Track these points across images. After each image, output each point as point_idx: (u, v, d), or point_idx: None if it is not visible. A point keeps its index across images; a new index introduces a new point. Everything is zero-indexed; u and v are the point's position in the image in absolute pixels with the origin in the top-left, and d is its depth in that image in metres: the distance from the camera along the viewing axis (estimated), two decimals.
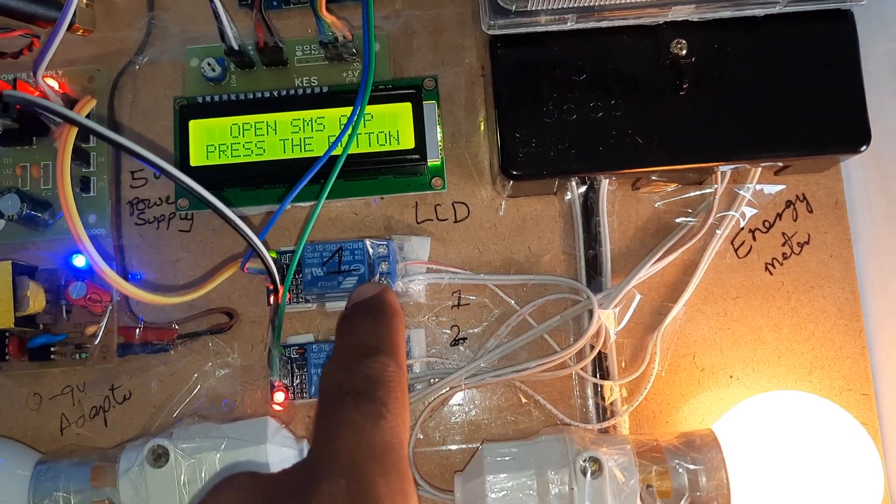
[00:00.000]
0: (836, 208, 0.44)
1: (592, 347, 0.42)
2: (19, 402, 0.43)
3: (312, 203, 0.39)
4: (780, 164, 0.42)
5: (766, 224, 0.44)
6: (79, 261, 0.42)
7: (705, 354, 0.43)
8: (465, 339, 0.43)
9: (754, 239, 0.44)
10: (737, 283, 0.44)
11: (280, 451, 0.38)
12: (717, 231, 0.43)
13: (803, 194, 0.45)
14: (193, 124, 0.41)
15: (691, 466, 0.37)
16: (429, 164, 0.42)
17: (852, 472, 0.37)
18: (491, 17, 0.39)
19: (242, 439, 0.37)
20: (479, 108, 0.45)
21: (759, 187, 0.44)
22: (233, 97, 0.42)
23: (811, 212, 0.44)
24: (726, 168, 0.41)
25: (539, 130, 0.40)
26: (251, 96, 0.42)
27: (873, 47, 0.46)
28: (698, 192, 0.44)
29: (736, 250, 0.44)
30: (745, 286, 0.44)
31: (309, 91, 0.42)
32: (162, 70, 0.45)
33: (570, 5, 0.38)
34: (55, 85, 0.43)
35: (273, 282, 0.37)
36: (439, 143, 0.43)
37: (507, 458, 0.38)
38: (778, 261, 0.44)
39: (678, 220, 0.44)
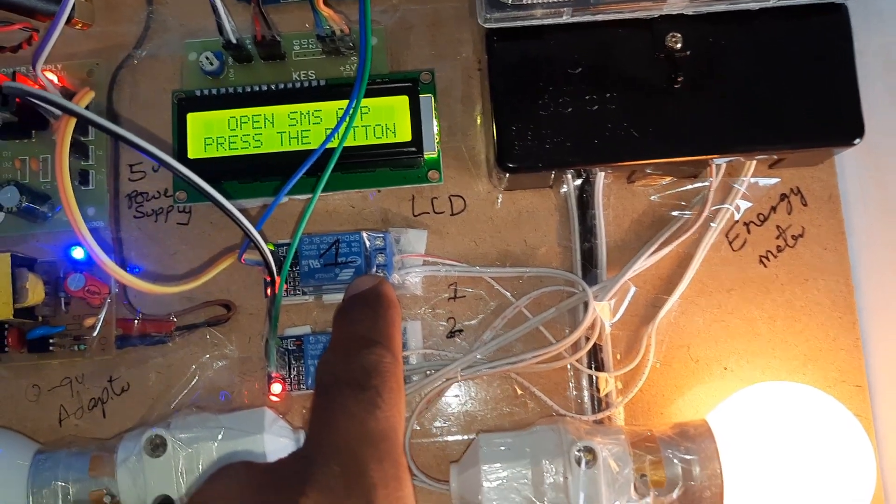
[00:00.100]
0: (830, 201, 0.45)
1: (588, 339, 0.42)
2: (18, 393, 0.43)
3: (310, 196, 0.39)
4: (775, 157, 0.42)
5: (761, 217, 0.45)
6: (77, 253, 0.42)
7: (700, 346, 0.44)
8: (462, 331, 0.44)
9: (749, 232, 0.44)
10: (731, 275, 0.44)
11: (277, 441, 0.38)
12: (712, 224, 0.43)
13: (798, 187, 0.45)
14: (191, 117, 0.41)
15: (685, 456, 0.38)
16: (425, 156, 0.42)
17: (845, 463, 0.37)
18: (487, 10, 0.39)
19: (239, 429, 0.38)
20: (475, 102, 0.45)
21: (753, 180, 0.44)
22: (230, 90, 0.42)
23: (805, 205, 0.45)
24: (721, 161, 0.41)
25: (535, 123, 0.40)
26: (249, 90, 0.42)
27: (867, 41, 0.46)
28: (693, 186, 0.44)
29: (731, 243, 0.44)
30: (739, 279, 0.44)
31: (306, 84, 0.42)
32: (160, 64, 0.46)
33: None
34: (54, 79, 0.43)
35: (270, 272, 0.37)
36: (436, 136, 0.43)
37: (502, 448, 0.38)
38: (772, 253, 0.44)
39: (673, 213, 0.44)
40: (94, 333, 0.42)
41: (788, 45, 0.40)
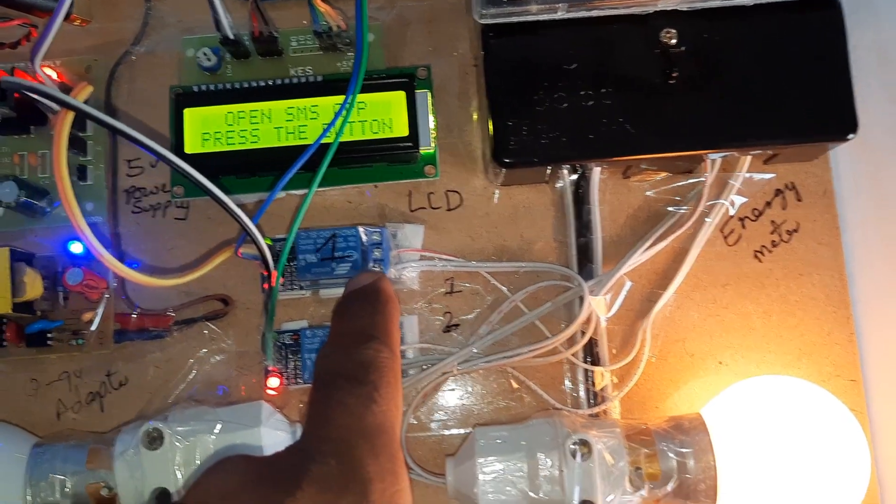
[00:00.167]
0: (824, 197, 0.45)
1: (583, 334, 0.42)
2: (16, 387, 0.43)
3: (307, 191, 0.40)
4: (769, 152, 0.42)
5: (756, 212, 0.45)
6: (76, 247, 0.42)
7: (695, 341, 0.44)
8: (458, 325, 0.44)
9: (744, 227, 0.45)
10: (726, 270, 0.44)
11: (274, 435, 0.38)
12: (707, 219, 0.44)
13: (792, 183, 0.45)
14: (189, 112, 0.41)
15: (680, 449, 0.38)
16: (422, 152, 0.43)
17: (839, 456, 0.37)
18: (483, 6, 0.39)
19: (237, 422, 0.38)
20: (471, 98, 0.46)
21: (748, 175, 0.44)
22: (228, 86, 0.42)
23: (800, 200, 0.45)
24: (716, 156, 0.42)
25: (531, 119, 0.40)
26: (246, 85, 0.42)
27: (861, 37, 0.46)
28: (688, 181, 0.45)
29: (725, 238, 0.45)
30: (734, 273, 0.44)
31: (304, 80, 0.42)
32: (158, 60, 0.46)
33: None
34: (53, 74, 0.44)
35: (266, 265, 0.37)
36: (432, 132, 0.43)
37: (497, 442, 0.38)
38: (767, 248, 0.45)
39: (669, 209, 0.44)
40: (93, 328, 0.42)
41: (783, 40, 0.41)
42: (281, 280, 0.40)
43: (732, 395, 0.40)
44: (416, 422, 0.43)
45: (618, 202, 0.45)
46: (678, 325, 0.44)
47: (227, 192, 0.34)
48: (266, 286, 0.40)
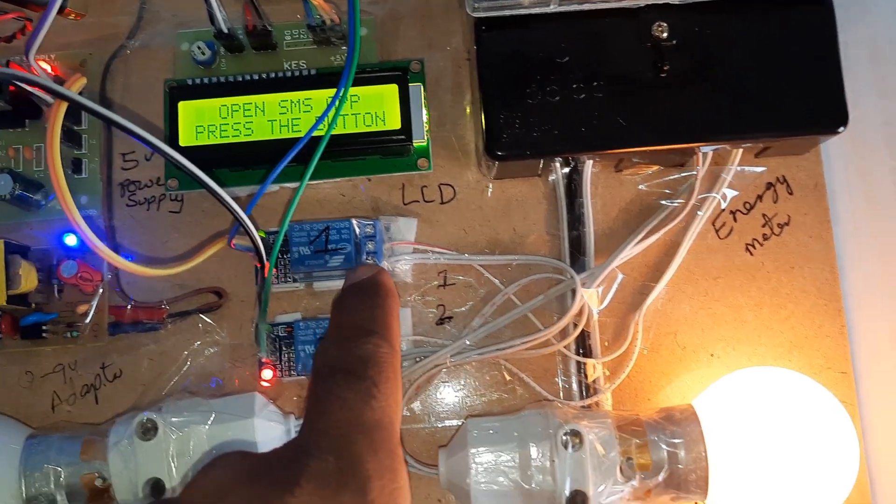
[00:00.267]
0: (815, 190, 0.45)
1: (576, 326, 0.42)
2: (11, 379, 0.43)
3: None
4: (761, 145, 0.43)
5: (747, 205, 0.45)
6: (70, 240, 0.42)
7: (687, 333, 0.44)
8: (451, 318, 0.44)
9: (735, 220, 0.45)
10: (718, 263, 0.45)
11: (267, 426, 0.39)
12: (699, 212, 0.44)
13: (784, 176, 0.45)
14: (183, 105, 0.42)
15: (671, 440, 0.38)
16: (415, 145, 0.43)
17: (829, 447, 0.38)
18: None
19: (230, 413, 0.38)
20: (465, 92, 0.46)
21: (739, 169, 0.44)
22: (222, 79, 0.42)
23: (791, 194, 0.45)
24: (707, 149, 0.42)
25: (523, 112, 0.40)
26: (240, 78, 0.42)
27: (852, 33, 0.46)
28: (680, 175, 0.45)
29: (717, 231, 0.45)
30: (726, 266, 0.45)
31: (297, 73, 0.42)
32: (153, 54, 0.46)
33: None
34: (48, 68, 0.44)
35: (259, 255, 0.37)
36: (425, 125, 0.43)
37: (490, 432, 0.39)
38: (758, 241, 0.45)
39: (661, 202, 0.45)
40: (87, 320, 0.42)
41: (773, 33, 0.41)
42: (274, 271, 0.40)
43: (724, 386, 0.40)
44: (409, 413, 0.43)
45: (610, 195, 0.45)
46: (670, 318, 0.44)
47: (221, 184, 0.34)
48: (259, 279, 0.40)
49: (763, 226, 0.45)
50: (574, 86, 0.41)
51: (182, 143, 0.41)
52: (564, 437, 0.37)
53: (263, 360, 0.41)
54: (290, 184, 0.43)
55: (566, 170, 0.43)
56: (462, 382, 0.44)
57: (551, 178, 0.44)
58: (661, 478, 0.38)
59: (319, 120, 0.40)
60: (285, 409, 0.42)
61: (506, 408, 0.43)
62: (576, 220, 0.44)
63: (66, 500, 0.38)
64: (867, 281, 0.45)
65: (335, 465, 0.28)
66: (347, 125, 0.42)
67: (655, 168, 0.45)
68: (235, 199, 0.35)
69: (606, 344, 0.44)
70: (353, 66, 0.39)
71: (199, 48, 0.44)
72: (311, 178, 0.42)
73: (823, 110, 0.41)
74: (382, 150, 0.43)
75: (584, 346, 0.43)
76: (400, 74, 0.42)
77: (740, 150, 0.43)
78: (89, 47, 0.46)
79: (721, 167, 0.44)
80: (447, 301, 0.44)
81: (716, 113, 0.41)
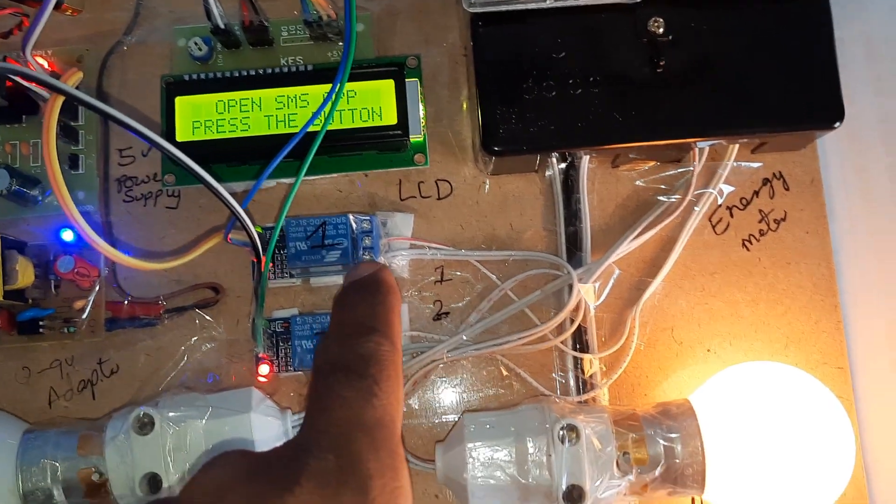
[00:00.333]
0: (812, 186, 0.45)
1: (572, 321, 0.43)
2: (8, 375, 0.43)
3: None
4: (757, 140, 0.43)
5: (744, 201, 0.45)
6: (67, 235, 0.42)
7: (683, 329, 0.44)
8: (448, 313, 0.44)
9: (732, 216, 0.45)
10: (714, 259, 0.45)
11: (264, 421, 0.39)
12: (696, 208, 0.44)
13: (780, 172, 0.45)
14: (179, 101, 0.42)
15: (667, 434, 0.38)
16: (411, 140, 0.43)
17: (825, 441, 0.38)
18: None
19: (227, 408, 0.38)
20: (461, 88, 0.46)
21: (736, 164, 0.44)
22: (218, 75, 0.42)
23: (788, 189, 0.45)
24: (704, 144, 0.42)
25: (520, 107, 0.41)
26: (237, 74, 0.42)
27: (848, 29, 0.47)
28: (677, 170, 0.45)
29: (714, 227, 0.45)
30: (722, 262, 0.45)
31: (294, 69, 0.42)
32: (150, 50, 0.46)
33: None
34: (45, 64, 0.44)
35: (255, 249, 0.37)
36: (422, 120, 0.43)
37: (486, 427, 0.39)
38: (755, 237, 0.45)
39: (657, 198, 0.45)
40: (84, 316, 0.42)
41: (770, 29, 0.41)
42: (271, 266, 0.40)
43: (720, 381, 0.40)
44: (405, 409, 0.43)
45: (606, 191, 0.45)
46: (666, 313, 0.44)
47: (217, 179, 0.34)
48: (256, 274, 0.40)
49: (759, 221, 0.45)
50: (570, 81, 0.41)
51: (179, 138, 0.41)
52: (561, 432, 0.37)
53: (260, 355, 0.41)
54: (286, 179, 0.43)
55: (563, 165, 0.43)
56: (459, 378, 0.44)
57: (548, 173, 0.44)
58: (657, 472, 0.38)
59: (315, 115, 0.40)
60: (282, 405, 0.42)
61: (503, 403, 0.43)
62: (572, 215, 0.44)
63: (63, 495, 0.38)
64: (863, 276, 0.45)
65: (335, 464, 0.28)
66: (344, 120, 0.42)
67: (652, 164, 0.45)
68: (232, 194, 0.35)
69: (603, 339, 0.44)
70: (350, 62, 0.39)
71: (195, 44, 0.44)
72: (308, 174, 0.42)
73: (820, 106, 0.41)
74: (379, 146, 0.43)
75: (580, 341, 0.43)
76: (396, 70, 0.42)
77: (737, 146, 0.43)
78: (86, 43, 0.46)
79: (717, 163, 0.44)
80: (444, 297, 0.44)
81: (712, 108, 0.41)
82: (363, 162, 0.44)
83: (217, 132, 0.41)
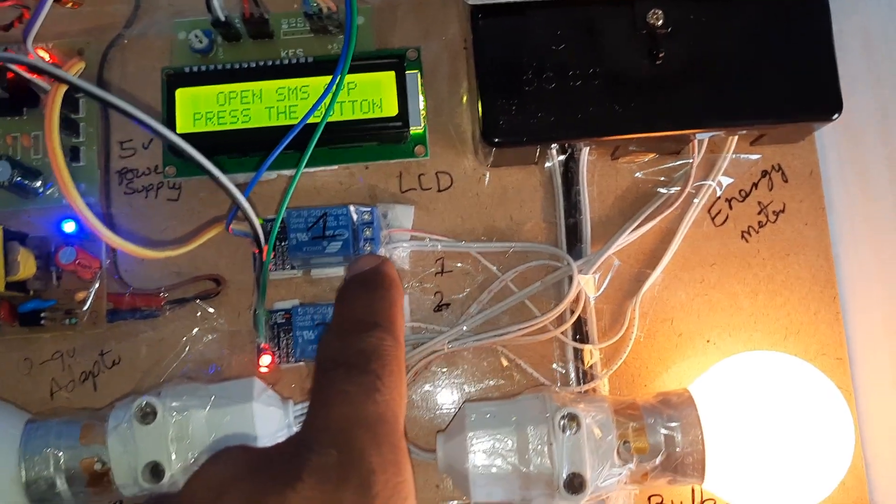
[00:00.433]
0: (810, 178, 0.45)
1: (572, 312, 0.43)
2: (10, 366, 0.43)
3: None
4: (756, 133, 0.43)
5: (743, 193, 0.45)
6: (69, 227, 0.42)
7: (683, 320, 0.44)
8: (448, 305, 0.44)
9: (731, 208, 0.45)
10: (714, 250, 0.45)
11: (266, 410, 0.39)
12: (695, 200, 0.44)
13: (779, 164, 0.45)
14: (180, 92, 0.42)
15: (667, 423, 0.38)
16: (411, 131, 0.43)
17: (824, 430, 0.38)
18: None
19: (229, 398, 0.38)
20: (461, 81, 0.46)
21: (735, 156, 0.45)
22: (219, 67, 0.42)
23: (786, 181, 0.45)
24: (703, 136, 0.42)
25: (520, 99, 0.41)
26: (237, 66, 0.42)
27: (846, 22, 0.47)
28: (676, 163, 0.45)
29: (713, 219, 0.45)
30: (721, 253, 0.45)
31: (294, 61, 0.43)
32: (150, 43, 0.46)
33: None
34: (45, 56, 0.44)
35: (256, 239, 0.38)
36: (422, 112, 0.44)
37: (487, 416, 0.39)
38: (754, 229, 0.45)
39: (657, 190, 0.45)
40: (85, 307, 0.42)
41: (768, 21, 0.41)
42: (273, 255, 0.41)
43: (720, 370, 0.41)
44: (406, 400, 0.43)
45: (606, 183, 0.45)
46: (666, 305, 0.44)
47: (220, 169, 0.34)
48: (258, 265, 0.40)
49: (758, 213, 0.45)
50: (570, 73, 0.41)
51: (179, 130, 0.41)
52: (562, 421, 0.37)
53: (262, 345, 0.42)
54: (287, 171, 0.44)
55: (562, 157, 0.43)
56: (460, 369, 0.44)
57: (547, 165, 0.44)
58: (658, 461, 0.38)
59: (315, 106, 0.40)
60: (283, 395, 0.42)
61: (503, 394, 0.44)
62: (572, 207, 0.44)
63: (66, 484, 0.38)
64: (862, 267, 0.45)
65: (337, 460, 0.28)
66: (345, 112, 0.42)
67: (651, 156, 0.45)
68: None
69: (603, 330, 0.44)
70: (350, 53, 0.39)
71: (196, 37, 0.44)
72: (309, 166, 0.42)
73: (818, 98, 0.41)
74: (380, 137, 0.43)
75: (580, 332, 0.43)
76: (397, 62, 0.42)
77: (735, 138, 0.43)
78: (86, 36, 0.46)
79: (716, 155, 0.44)
80: (444, 288, 0.44)
81: (711, 100, 0.41)
82: (364, 154, 0.44)
83: (218, 124, 0.42)
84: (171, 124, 0.41)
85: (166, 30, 0.46)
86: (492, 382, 0.44)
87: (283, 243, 0.41)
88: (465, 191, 0.45)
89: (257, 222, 0.37)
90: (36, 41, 0.39)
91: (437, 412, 0.43)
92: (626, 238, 0.43)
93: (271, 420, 0.39)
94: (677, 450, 0.38)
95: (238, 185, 0.41)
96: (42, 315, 0.42)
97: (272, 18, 0.44)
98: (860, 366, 0.44)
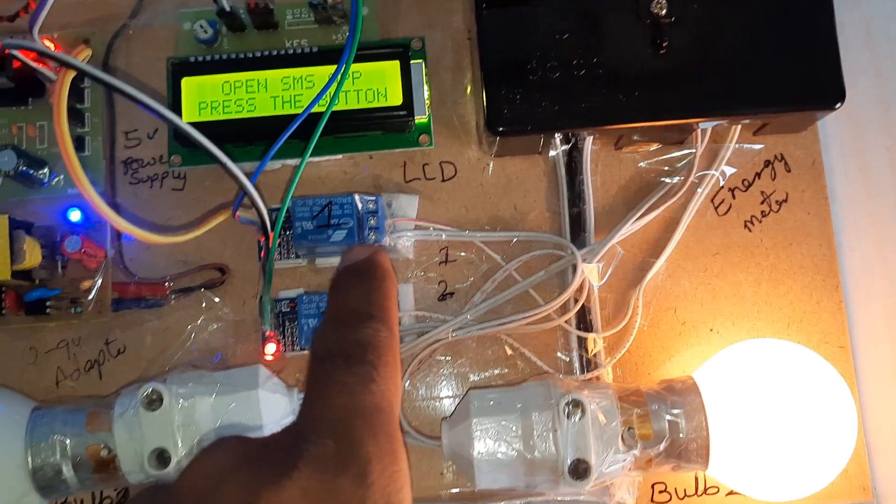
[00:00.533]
0: (813, 168, 0.46)
1: (576, 301, 0.43)
2: (15, 355, 0.44)
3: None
4: (759, 122, 0.43)
5: (746, 183, 0.45)
6: (74, 215, 0.42)
7: (686, 309, 0.44)
8: (453, 294, 0.44)
9: (734, 197, 0.45)
10: (717, 239, 0.45)
11: (271, 398, 0.39)
12: (698, 189, 0.44)
13: (781, 154, 0.46)
14: (186, 81, 0.42)
15: (671, 410, 0.38)
16: (416, 120, 0.43)
17: (827, 416, 0.38)
18: None
19: (234, 385, 0.38)
20: (465, 71, 0.46)
21: (738, 146, 0.45)
22: (225, 56, 0.42)
23: (789, 171, 0.46)
24: (706, 125, 0.42)
25: (524, 88, 0.41)
26: (243, 55, 0.42)
27: (848, 14, 0.47)
28: (680, 153, 0.45)
29: (716, 208, 0.45)
30: (724, 243, 0.45)
31: (300, 51, 0.43)
32: (155, 34, 0.46)
33: None
34: (51, 46, 0.44)
35: (263, 225, 0.38)
36: (426, 101, 0.44)
37: (492, 403, 0.39)
38: (757, 218, 0.45)
39: (660, 179, 0.45)
40: (91, 296, 0.42)
41: (771, 10, 0.41)
42: (279, 240, 0.41)
43: (724, 357, 0.41)
44: (411, 388, 0.44)
45: (610, 173, 0.45)
46: (670, 294, 0.44)
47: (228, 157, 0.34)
48: (263, 254, 0.41)
49: (761, 203, 0.45)
50: (574, 62, 0.41)
51: (185, 119, 0.42)
52: (566, 407, 0.37)
53: (267, 333, 0.42)
54: (292, 160, 0.44)
55: (566, 147, 0.44)
56: (464, 358, 0.44)
57: (551, 154, 0.44)
58: (662, 447, 0.38)
59: (320, 94, 0.40)
60: (288, 383, 0.42)
61: (507, 382, 0.44)
62: (576, 197, 0.44)
63: (73, 471, 0.38)
64: (864, 257, 0.46)
65: (334, 449, 0.28)
66: (350, 101, 0.42)
67: (655, 146, 0.45)
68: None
69: (607, 319, 0.44)
70: (356, 41, 0.40)
71: (201, 27, 0.44)
72: (314, 155, 0.42)
73: (821, 86, 0.41)
74: (384, 126, 0.43)
75: (584, 321, 0.43)
76: (402, 51, 0.43)
77: (738, 128, 0.44)
78: (91, 27, 0.46)
79: (720, 145, 0.44)
80: (449, 277, 0.44)
81: (714, 89, 0.41)
82: (368, 143, 0.44)
83: (223, 113, 0.42)
84: (176, 113, 0.41)
85: (171, 20, 0.46)
86: (496, 371, 0.44)
87: (287, 232, 0.42)
88: (468, 180, 0.45)
89: (263, 207, 0.37)
90: (41, 32, 0.39)
91: (442, 400, 0.44)
92: (630, 227, 0.44)
93: (276, 407, 0.39)
94: (681, 436, 0.38)
95: (244, 174, 0.41)
96: (47, 304, 0.42)
97: (277, 9, 0.44)
98: (862, 354, 0.45)
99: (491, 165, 0.45)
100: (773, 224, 0.45)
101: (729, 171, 0.45)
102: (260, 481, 0.28)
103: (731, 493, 0.42)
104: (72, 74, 0.32)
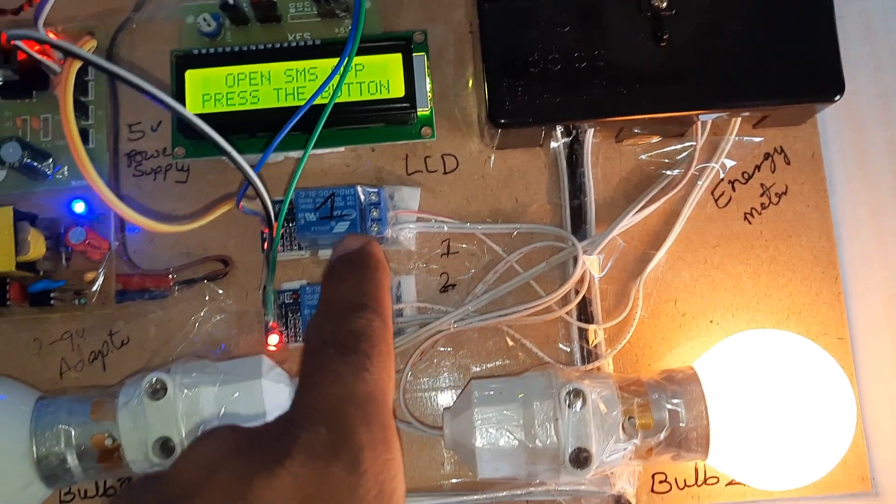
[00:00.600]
0: (812, 160, 0.46)
1: (577, 293, 0.43)
2: (20, 346, 0.44)
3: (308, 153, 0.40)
4: (759, 114, 0.43)
5: (745, 175, 0.46)
6: (78, 207, 0.43)
7: (686, 300, 0.45)
8: (454, 285, 0.45)
9: (734, 189, 0.46)
10: (717, 231, 0.45)
11: (274, 387, 0.39)
12: (698, 182, 0.45)
13: (781, 147, 0.46)
14: (189, 74, 0.42)
15: (672, 399, 0.39)
16: (418, 113, 0.43)
17: (827, 406, 0.38)
18: None
19: (238, 374, 0.38)
20: (467, 65, 0.46)
21: (738, 139, 0.45)
22: (228, 49, 0.43)
23: (788, 164, 0.46)
24: (706, 118, 0.43)
25: (525, 80, 0.41)
26: (246, 48, 0.43)
27: (848, 7, 0.47)
28: (680, 145, 0.45)
29: (716, 200, 0.46)
30: (724, 235, 0.45)
31: (303, 43, 0.43)
32: (159, 27, 0.46)
33: None
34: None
35: (266, 214, 0.38)
36: (428, 93, 0.44)
37: (493, 392, 0.39)
38: (756, 210, 0.45)
39: (661, 172, 0.45)
40: (95, 288, 0.43)
41: (771, 4, 0.42)
42: (282, 232, 0.41)
43: (724, 347, 0.41)
44: (413, 379, 0.44)
45: (610, 165, 0.46)
46: (670, 285, 0.45)
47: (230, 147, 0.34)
48: (266, 245, 0.41)
49: (761, 195, 0.46)
50: (575, 55, 0.41)
51: (189, 111, 0.42)
52: (567, 396, 0.38)
53: (270, 324, 0.42)
54: (294, 153, 0.44)
55: (567, 140, 0.44)
56: (465, 349, 0.44)
57: (553, 147, 0.45)
58: (662, 436, 0.39)
59: (322, 87, 0.40)
60: (291, 374, 0.42)
61: (508, 373, 0.44)
62: (577, 189, 0.44)
63: (77, 460, 0.38)
64: (863, 249, 0.46)
65: (327, 437, 0.28)
66: (352, 93, 0.42)
67: (656, 138, 0.45)
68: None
69: (608, 311, 0.44)
70: (358, 34, 0.40)
71: (204, 20, 0.44)
72: (316, 147, 0.42)
73: (820, 79, 0.42)
74: (386, 119, 0.43)
75: (585, 312, 0.44)
76: (404, 44, 0.43)
77: (738, 120, 0.44)
78: (95, 20, 0.46)
79: (720, 137, 0.45)
80: (450, 269, 0.45)
81: (714, 81, 0.41)
82: (371, 135, 0.44)
83: (227, 105, 0.42)
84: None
85: (175, 13, 0.46)
86: (497, 362, 0.44)
87: (291, 224, 0.42)
88: (470, 173, 0.46)
89: (267, 196, 0.37)
90: (45, 25, 0.39)
91: (443, 391, 0.44)
92: (631, 219, 0.44)
93: (279, 397, 0.39)
94: (681, 425, 0.39)
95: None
96: (52, 295, 0.43)
97: (280, 2, 0.45)
98: (861, 345, 0.45)
99: (492, 158, 0.46)
100: (773, 216, 0.45)
101: (729, 163, 0.45)
102: (252, 469, 0.28)
103: (731, 482, 0.43)
104: (78, 65, 0.32)
